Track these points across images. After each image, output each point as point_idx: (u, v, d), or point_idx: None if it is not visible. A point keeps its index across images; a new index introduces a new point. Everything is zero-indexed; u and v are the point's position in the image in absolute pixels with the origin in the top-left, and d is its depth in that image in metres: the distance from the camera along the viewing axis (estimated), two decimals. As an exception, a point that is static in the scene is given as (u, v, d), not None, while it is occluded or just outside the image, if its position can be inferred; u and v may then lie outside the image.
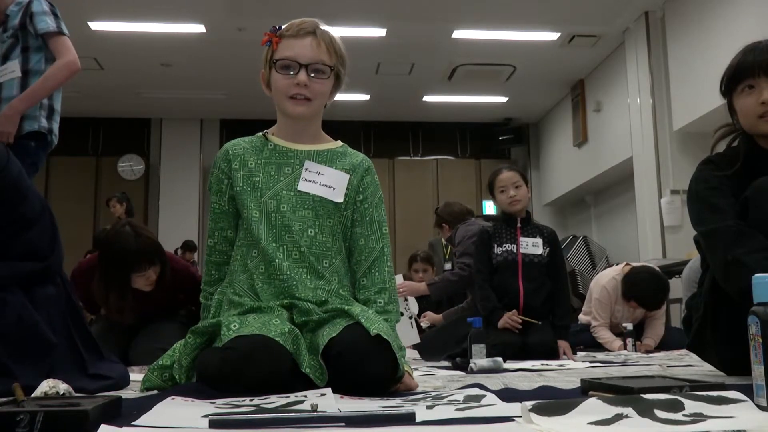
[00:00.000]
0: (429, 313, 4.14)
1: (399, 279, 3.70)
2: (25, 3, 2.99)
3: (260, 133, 1.83)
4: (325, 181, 1.76)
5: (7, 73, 2.94)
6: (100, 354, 1.81)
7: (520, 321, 3.26)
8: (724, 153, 1.90)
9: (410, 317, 3.68)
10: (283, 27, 1.76)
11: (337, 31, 1.80)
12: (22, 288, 1.64)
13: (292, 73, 1.71)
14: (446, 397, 1.38)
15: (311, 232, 1.73)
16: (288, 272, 1.68)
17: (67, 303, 1.76)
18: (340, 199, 1.76)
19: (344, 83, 1.81)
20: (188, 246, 7.74)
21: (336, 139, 1.88)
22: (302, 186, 1.75)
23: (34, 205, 1.71)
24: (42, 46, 2.97)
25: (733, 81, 1.83)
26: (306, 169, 1.76)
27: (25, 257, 1.69)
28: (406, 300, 3.74)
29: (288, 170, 1.76)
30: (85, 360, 1.72)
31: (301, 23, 1.75)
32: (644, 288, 3.98)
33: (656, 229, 6.22)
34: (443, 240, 4.53)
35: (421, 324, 4.04)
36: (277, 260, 1.68)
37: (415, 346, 3.69)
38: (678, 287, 4.92)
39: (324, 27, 1.76)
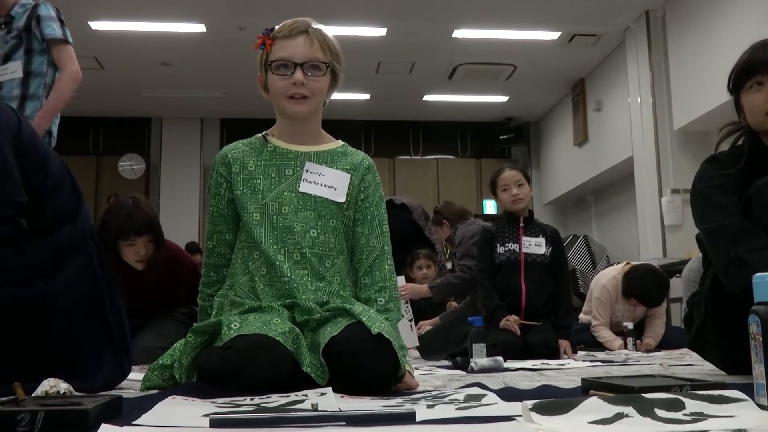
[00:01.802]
0: (422, 323, 4.10)
1: (401, 281, 3.69)
2: (31, 6, 3.03)
3: (259, 135, 1.83)
4: (327, 182, 1.76)
5: (8, 73, 2.97)
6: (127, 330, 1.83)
7: (519, 331, 3.25)
8: (728, 151, 1.89)
9: (410, 320, 3.67)
10: (276, 28, 1.76)
11: (338, 31, 1.80)
12: (46, 274, 1.63)
13: (288, 73, 1.71)
14: (447, 396, 1.38)
15: (314, 233, 1.73)
16: (289, 274, 1.68)
17: (101, 268, 1.75)
18: (342, 199, 1.76)
19: (341, 80, 1.81)
20: (191, 248, 7.66)
21: (336, 139, 1.88)
22: (303, 187, 1.75)
23: (54, 168, 1.70)
24: (45, 49, 3.01)
25: (742, 77, 1.82)
26: (307, 170, 1.76)
27: (58, 223, 1.68)
28: (407, 303, 3.73)
29: (289, 172, 1.76)
30: (114, 336, 1.74)
31: (293, 23, 1.75)
32: (644, 285, 3.99)
33: (657, 228, 6.22)
34: (442, 240, 4.51)
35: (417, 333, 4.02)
36: (278, 263, 1.68)
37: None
38: (678, 286, 4.93)
39: (316, 25, 1.76)
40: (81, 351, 1.66)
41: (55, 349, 1.62)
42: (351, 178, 1.79)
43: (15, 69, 2.97)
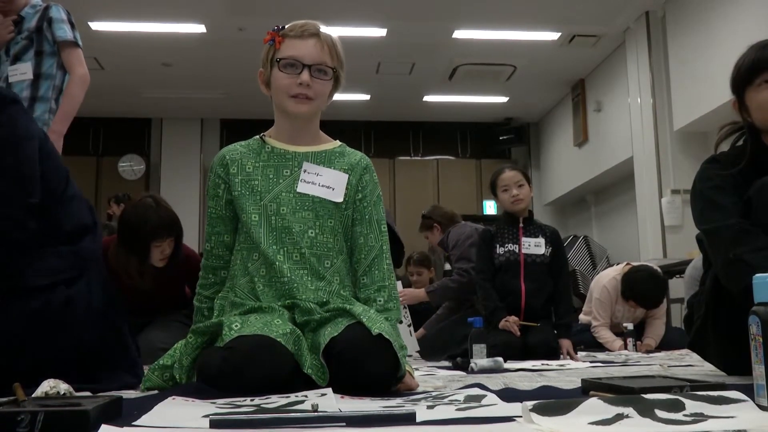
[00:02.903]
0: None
1: (399, 286, 3.69)
2: (42, 7, 3.03)
3: (257, 136, 1.83)
4: (324, 182, 1.77)
5: (18, 74, 2.98)
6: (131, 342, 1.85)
7: (518, 332, 3.24)
8: (728, 152, 1.89)
9: (409, 325, 3.67)
10: (286, 27, 1.77)
11: (337, 31, 1.81)
12: (69, 280, 1.66)
13: (295, 72, 1.72)
14: (447, 397, 1.38)
15: (312, 233, 1.73)
16: (289, 274, 1.68)
17: (110, 284, 1.81)
18: (339, 199, 1.76)
19: (341, 86, 1.82)
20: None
21: (336, 139, 1.88)
22: (301, 187, 1.75)
23: (74, 183, 1.76)
24: (56, 51, 3.02)
25: (750, 75, 1.81)
26: (304, 171, 1.76)
27: (79, 234, 1.73)
28: (405, 308, 3.73)
29: (287, 172, 1.77)
30: (127, 348, 1.78)
31: (304, 25, 1.76)
32: (641, 287, 3.99)
33: (657, 228, 6.22)
34: (434, 244, 4.50)
35: None
36: (277, 263, 1.68)
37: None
38: (678, 287, 4.93)
39: (324, 29, 1.77)
40: (98, 357, 1.69)
41: (74, 352, 1.64)
42: (349, 178, 1.79)
43: (25, 70, 2.97)
